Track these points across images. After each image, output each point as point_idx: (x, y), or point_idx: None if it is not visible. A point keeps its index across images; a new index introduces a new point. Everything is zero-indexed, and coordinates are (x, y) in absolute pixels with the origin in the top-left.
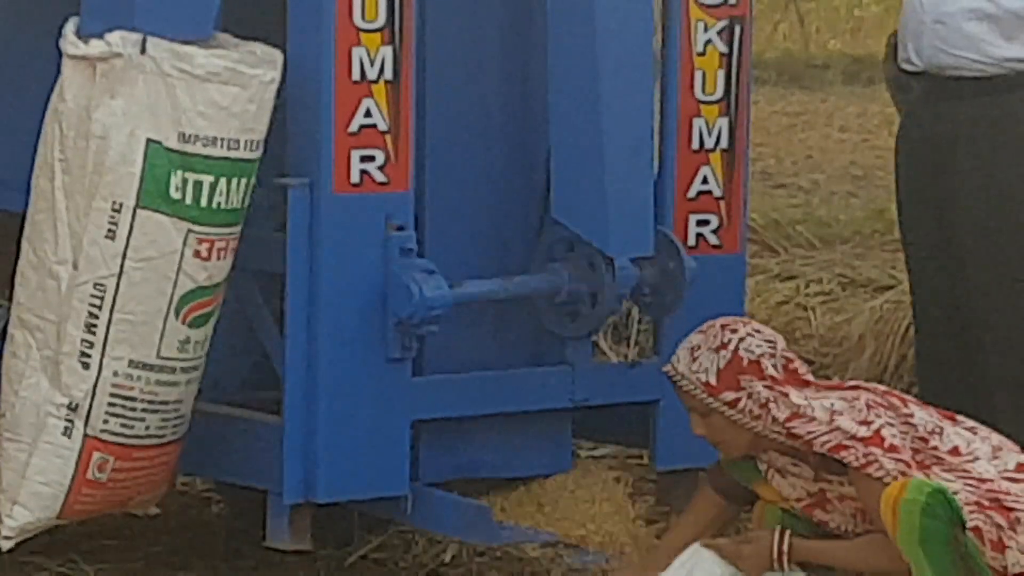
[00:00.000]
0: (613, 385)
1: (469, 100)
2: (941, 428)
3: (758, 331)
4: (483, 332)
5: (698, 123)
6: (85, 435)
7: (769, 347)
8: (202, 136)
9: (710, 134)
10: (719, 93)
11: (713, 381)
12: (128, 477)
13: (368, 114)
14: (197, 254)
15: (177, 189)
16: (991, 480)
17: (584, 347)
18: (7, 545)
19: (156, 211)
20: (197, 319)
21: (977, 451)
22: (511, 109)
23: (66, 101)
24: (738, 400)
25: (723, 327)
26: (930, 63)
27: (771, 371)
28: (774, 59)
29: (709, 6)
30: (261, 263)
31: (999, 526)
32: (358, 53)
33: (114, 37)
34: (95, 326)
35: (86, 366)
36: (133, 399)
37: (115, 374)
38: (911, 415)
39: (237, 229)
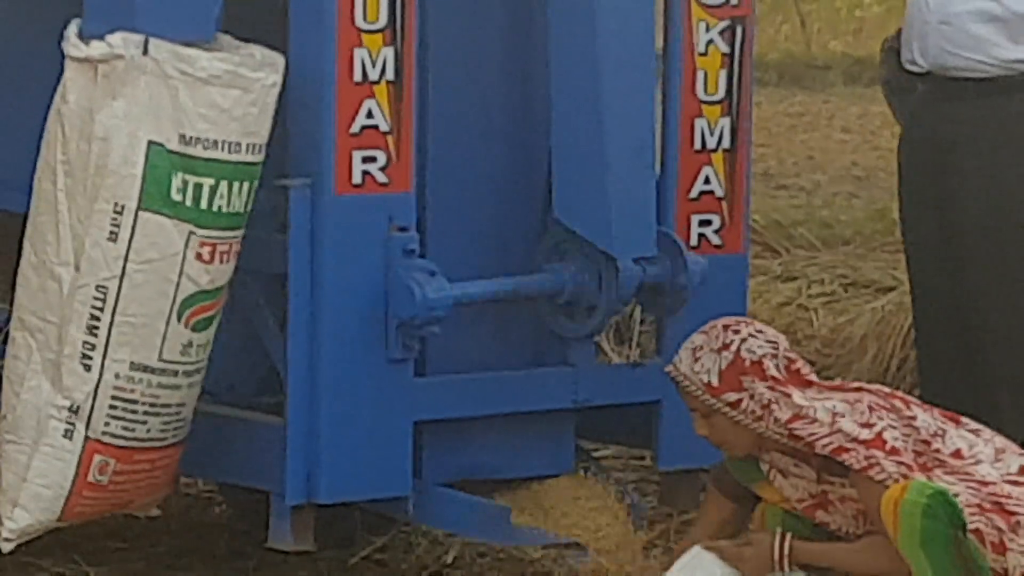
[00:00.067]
0: (615, 386)
1: (471, 101)
2: (944, 431)
3: (760, 332)
4: (485, 333)
5: (700, 123)
6: (86, 437)
7: (771, 348)
8: (203, 138)
9: (712, 134)
10: (721, 93)
11: (715, 382)
12: (129, 480)
13: (370, 115)
14: (199, 256)
15: (178, 191)
16: (993, 483)
17: (586, 348)
18: (8, 547)
19: (158, 213)
20: (199, 323)
21: (980, 454)
22: (513, 110)
23: (68, 103)
24: (740, 401)
25: (725, 328)
26: (935, 64)
27: (773, 372)
28: (776, 60)
29: (711, 6)
30: (263, 264)
31: (1000, 529)
32: (360, 54)
33: (116, 38)
34: (97, 328)
35: (87, 368)
36: (134, 402)
37: (116, 376)
38: (914, 417)
39: (240, 233)
